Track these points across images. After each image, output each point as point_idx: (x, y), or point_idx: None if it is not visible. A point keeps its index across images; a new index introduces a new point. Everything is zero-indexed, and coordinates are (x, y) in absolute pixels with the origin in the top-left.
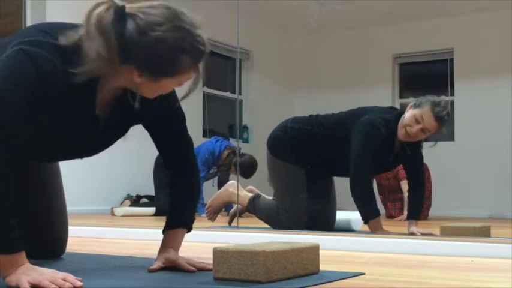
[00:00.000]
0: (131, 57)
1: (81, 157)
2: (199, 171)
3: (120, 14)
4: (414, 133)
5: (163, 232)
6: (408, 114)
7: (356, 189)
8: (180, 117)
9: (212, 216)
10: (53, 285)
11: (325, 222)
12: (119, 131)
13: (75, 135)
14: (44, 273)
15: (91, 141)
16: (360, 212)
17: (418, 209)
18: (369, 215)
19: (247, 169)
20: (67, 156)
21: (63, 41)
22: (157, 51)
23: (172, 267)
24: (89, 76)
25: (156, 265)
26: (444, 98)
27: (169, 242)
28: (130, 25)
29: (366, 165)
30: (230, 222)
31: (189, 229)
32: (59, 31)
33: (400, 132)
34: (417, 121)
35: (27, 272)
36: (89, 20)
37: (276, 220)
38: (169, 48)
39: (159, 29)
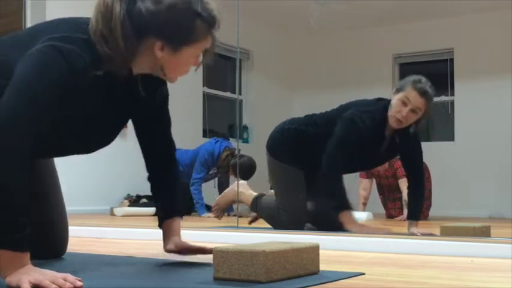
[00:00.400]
0: (149, 29)
1: (92, 151)
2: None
3: None
4: (405, 116)
5: (161, 223)
6: (394, 101)
7: (326, 186)
8: (168, 119)
9: (219, 214)
10: (54, 285)
11: (327, 222)
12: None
13: (101, 129)
14: (45, 274)
15: (112, 134)
16: (332, 205)
17: (417, 209)
18: (340, 206)
19: (246, 171)
20: (80, 151)
21: (90, 35)
22: (172, 17)
23: (184, 250)
24: (115, 66)
25: (170, 247)
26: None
27: (173, 229)
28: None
29: (337, 164)
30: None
31: (182, 217)
32: (85, 25)
33: (392, 121)
34: (404, 103)
35: (29, 272)
36: (99, 7)
37: (277, 220)
38: (183, 13)
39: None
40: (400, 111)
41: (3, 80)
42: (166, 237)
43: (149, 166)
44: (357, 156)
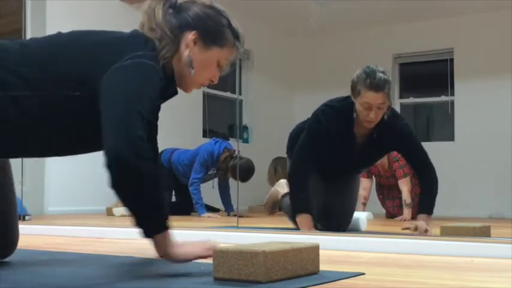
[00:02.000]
0: (188, 23)
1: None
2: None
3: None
4: (374, 118)
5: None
6: (357, 105)
7: (289, 184)
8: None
9: (270, 211)
10: (210, 252)
11: (333, 223)
12: None
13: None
14: (195, 244)
15: None
16: (293, 207)
17: (427, 201)
18: (297, 208)
19: (245, 173)
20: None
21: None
22: (208, 17)
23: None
24: (167, 64)
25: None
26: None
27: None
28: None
29: (300, 161)
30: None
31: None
32: (139, 38)
33: (363, 124)
34: (367, 108)
35: (183, 245)
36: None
37: (292, 218)
38: (217, 18)
39: (206, 9)
40: (367, 116)
41: (77, 91)
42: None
43: None
44: (330, 154)
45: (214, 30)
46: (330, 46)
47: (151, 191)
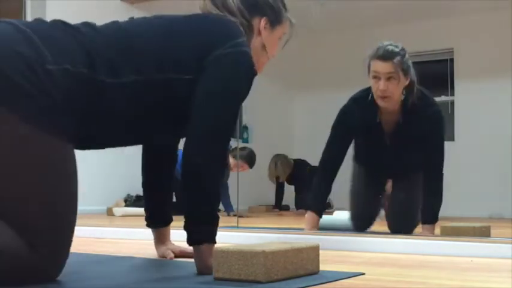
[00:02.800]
0: (256, 9)
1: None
2: None
3: None
4: (383, 89)
5: (155, 227)
6: (370, 82)
7: (314, 179)
8: None
9: None
10: None
11: (394, 223)
12: None
13: None
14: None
15: None
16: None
17: (428, 210)
18: (309, 205)
19: (250, 158)
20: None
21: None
22: (273, 2)
23: (180, 254)
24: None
25: (170, 255)
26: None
27: (167, 234)
28: None
29: (323, 160)
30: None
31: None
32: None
33: (378, 102)
34: (375, 78)
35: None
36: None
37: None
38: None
39: None
40: (377, 87)
41: (171, 74)
42: (160, 242)
43: (153, 167)
44: (365, 148)
45: (276, 11)
46: (330, 46)
47: (216, 201)
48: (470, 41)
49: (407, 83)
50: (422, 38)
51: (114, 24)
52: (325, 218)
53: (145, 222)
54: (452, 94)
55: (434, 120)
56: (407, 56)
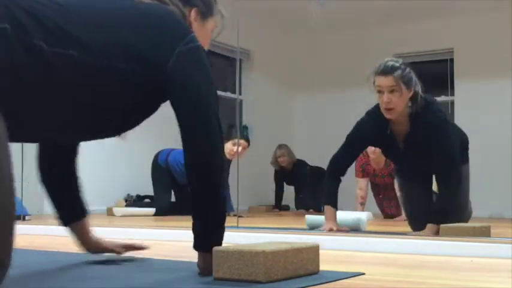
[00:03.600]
0: (194, 1)
1: None
2: None
3: None
4: (386, 101)
5: (70, 224)
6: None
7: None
8: None
9: None
10: None
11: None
12: None
13: None
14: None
15: None
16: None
17: (439, 211)
18: (325, 200)
19: (246, 136)
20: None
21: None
22: None
23: (117, 247)
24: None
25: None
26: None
27: (87, 229)
28: None
29: (334, 162)
30: None
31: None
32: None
33: (384, 114)
34: (379, 92)
35: None
36: None
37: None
38: None
39: None
40: (381, 100)
41: (124, 64)
42: (83, 237)
43: (51, 161)
44: (386, 157)
45: (207, 3)
46: (330, 46)
47: (224, 205)
48: (470, 41)
49: (411, 94)
50: (422, 38)
51: None
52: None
53: (145, 223)
54: (452, 94)
55: (438, 128)
56: (408, 69)
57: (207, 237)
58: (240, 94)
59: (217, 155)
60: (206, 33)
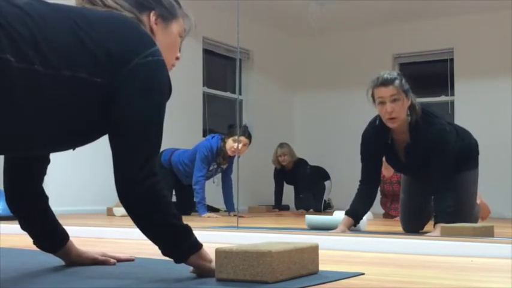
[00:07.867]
0: (144, 5)
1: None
2: None
3: None
4: (389, 111)
5: (58, 250)
6: (376, 109)
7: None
8: None
9: None
10: None
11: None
12: None
13: None
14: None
15: None
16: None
17: (442, 209)
18: (347, 211)
19: (247, 132)
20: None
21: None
22: None
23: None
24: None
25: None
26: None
27: (73, 246)
28: None
29: (362, 176)
30: None
31: None
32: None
33: (387, 124)
34: (380, 103)
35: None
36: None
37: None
38: None
39: None
40: (383, 111)
41: (82, 73)
42: (74, 257)
43: (20, 192)
44: (393, 165)
45: (166, 5)
46: (330, 46)
47: (167, 221)
48: (470, 41)
49: (409, 103)
50: (422, 38)
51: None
52: (326, 218)
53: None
54: (452, 94)
55: (435, 137)
56: (404, 80)
57: (178, 253)
58: (240, 94)
59: (142, 188)
60: (171, 37)
